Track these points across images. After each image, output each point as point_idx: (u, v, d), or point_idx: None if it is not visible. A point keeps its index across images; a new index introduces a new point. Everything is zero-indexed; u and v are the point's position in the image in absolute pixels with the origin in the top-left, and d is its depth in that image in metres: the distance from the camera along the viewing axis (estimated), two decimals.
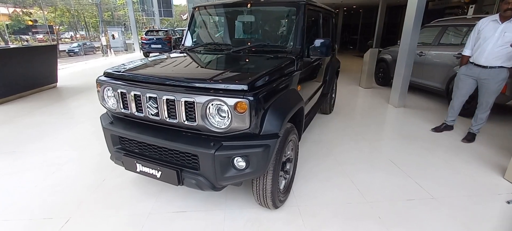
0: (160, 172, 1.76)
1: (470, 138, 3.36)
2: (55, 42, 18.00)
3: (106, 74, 2.02)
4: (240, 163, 1.64)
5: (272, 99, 1.74)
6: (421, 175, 2.59)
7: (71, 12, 27.55)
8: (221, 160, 1.60)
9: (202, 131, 1.67)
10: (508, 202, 2.16)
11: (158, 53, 13.01)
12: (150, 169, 1.79)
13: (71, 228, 1.92)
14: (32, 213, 2.08)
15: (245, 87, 1.55)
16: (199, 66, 2.27)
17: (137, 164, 1.84)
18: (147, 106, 1.75)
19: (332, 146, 3.24)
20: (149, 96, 1.73)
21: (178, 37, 14.16)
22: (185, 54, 2.58)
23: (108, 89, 1.96)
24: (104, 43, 18.00)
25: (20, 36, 24.32)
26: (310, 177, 2.53)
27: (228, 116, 1.57)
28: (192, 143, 1.65)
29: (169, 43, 13.24)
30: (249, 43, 2.64)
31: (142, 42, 13.49)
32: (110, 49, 17.87)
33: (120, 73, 1.94)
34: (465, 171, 2.68)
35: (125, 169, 1.94)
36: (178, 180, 1.71)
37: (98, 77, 2.04)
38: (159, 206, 2.15)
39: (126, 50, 18.30)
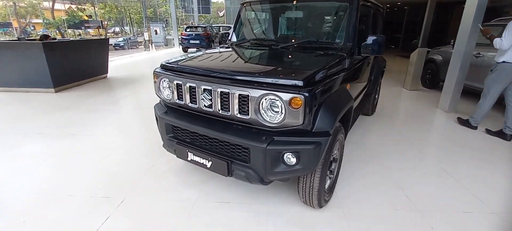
0: (210, 162, 1.83)
1: None
2: (105, 37, 19.52)
3: (163, 66, 2.14)
4: (290, 158, 1.63)
5: (325, 97, 1.71)
6: (478, 187, 2.38)
7: (119, 8, 29.64)
8: (272, 154, 1.62)
9: (254, 124, 1.69)
10: None
11: (196, 49, 13.46)
12: (201, 159, 1.87)
13: (126, 207, 2.08)
14: (92, 191, 2.29)
15: (300, 83, 1.54)
16: (251, 61, 2.30)
17: (189, 153, 1.92)
18: (202, 98, 1.82)
19: (375, 149, 3.10)
20: (204, 88, 1.79)
21: (224, 33, 14.56)
22: (234, 49, 2.64)
23: (164, 81, 2.07)
24: (147, 38, 19.14)
25: (74, 30, 26.77)
26: (354, 180, 2.45)
27: (281, 111, 1.57)
28: (244, 136, 1.68)
29: (207, 39, 13.65)
30: (293, 40, 2.62)
31: (181, 37, 14.07)
32: (151, 44, 18.95)
33: (177, 65, 2.04)
34: None
35: (177, 156, 2.05)
36: (227, 171, 1.76)
37: (155, 69, 2.16)
38: (204, 195, 2.23)
39: (166, 45, 19.25)
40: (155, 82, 2.16)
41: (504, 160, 2.90)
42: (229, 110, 1.73)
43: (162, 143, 2.24)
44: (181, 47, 14.79)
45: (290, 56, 2.28)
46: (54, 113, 4.23)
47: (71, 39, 8.32)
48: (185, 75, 1.92)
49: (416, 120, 4.12)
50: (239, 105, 1.68)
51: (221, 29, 18.97)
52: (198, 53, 2.51)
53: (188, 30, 14.20)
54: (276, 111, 1.62)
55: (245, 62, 2.28)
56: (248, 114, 1.67)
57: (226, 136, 1.73)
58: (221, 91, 1.72)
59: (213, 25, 17.07)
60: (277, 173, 1.67)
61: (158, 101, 2.36)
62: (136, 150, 3.03)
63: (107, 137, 3.38)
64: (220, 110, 1.77)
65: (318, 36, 2.55)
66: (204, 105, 1.83)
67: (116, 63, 10.48)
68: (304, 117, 1.54)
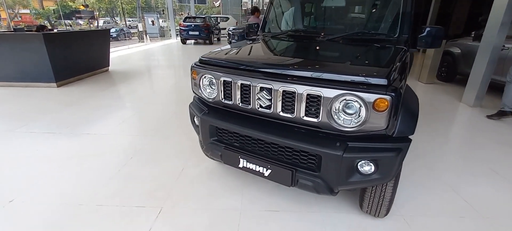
0: (269, 170, 1.62)
1: None
2: (98, 27, 18.79)
3: (203, 61, 1.90)
4: (365, 167, 1.44)
5: (404, 97, 1.52)
6: None
7: None
8: (348, 163, 1.42)
9: (323, 128, 1.49)
10: None
11: (194, 41, 12.94)
12: (257, 166, 1.66)
13: (167, 219, 1.87)
14: (122, 199, 2.06)
15: (384, 81, 1.33)
16: (308, 56, 2.08)
17: (241, 159, 1.71)
18: (258, 97, 1.60)
19: (413, 147, 2.94)
20: (261, 87, 1.57)
21: (251, 24, 14.15)
22: (275, 41, 2.41)
23: (206, 77, 1.84)
24: (141, 29, 18.51)
25: (64, 21, 25.74)
26: (405, 183, 2.28)
27: (360, 114, 1.37)
28: (313, 142, 1.47)
29: (207, 30, 13.24)
30: (338, 31, 2.40)
31: (180, 28, 13.62)
32: (146, 35, 18.34)
33: (223, 60, 1.81)
34: None
35: (224, 162, 1.84)
36: (291, 181, 1.56)
37: (194, 64, 1.93)
38: (249, 202, 2.03)
39: (162, 36, 18.68)
40: (194, 79, 1.93)
41: None
42: (292, 112, 1.52)
43: (202, 146, 2.02)
44: (178, 38, 14.35)
45: (348, 50, 2.06)
46: (61, 110, 3.93)
47: (70, 30, 7.87)
48: (235, 71, 1.69)
49: (444, 115, 3.98)
50: (306, 106, 1.47)
51: (218, 20, 18.52)
52: (238, 45, 2.27)
53: (187, 20, 13.74)
54: (351, 114, 1.42)
55: (303, 56, 2.05)
56: (317, 117, 1.46)
57: (290, 141, 1.52)
58: (284, 91, 1.51)
59: (211, 16, 16.60)
60: (351, 183, 1.48)
61: (193, 100, 2.12)
62: (160, 151, 2.79)
63: (124, 136, 3.12)
64: (281, 112, 1.56)
65: (367, 27, 2.33)
66: (261, 106, 1.61)
67: (114, 55, 10.03)
68: (389, 121, 1.34)
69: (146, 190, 2.16)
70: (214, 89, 1.83)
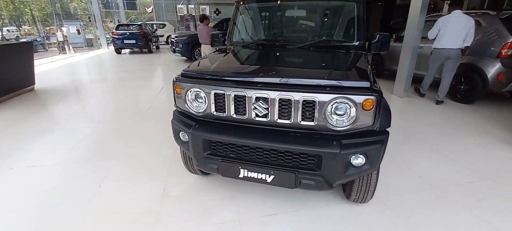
0: (272, 176, 1.68)
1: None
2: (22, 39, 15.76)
3: (186, 75, 1.85)
4: (358, 160, 1.63)
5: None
6: (466, 159, 2.83)
7: (16, 3, 24.29)
8: (344, 158, 1.59)
9: (319, 130, 1.63)
10: None
11: (129, 50, 12.01)
12: (259, 174, 1.70)
13: None
14: None
15: (368, 84, 1.55)
16: (290, 64, 2.20)
17: (241, 170, 1.73)
18: (255, 107, 1.65)
19: None
20: (257, 97, 1.63)
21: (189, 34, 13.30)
22: (251, 50, 2.48)
23: (192, 91, 1.80)
24: (60, 39, 16.20)
25: None
26: None
27: (351, 114, 1.55)
28: (314, 144, 1.60)
29: (145, 38, 12.43)
30: (303, 39, 2.62)
31: (113, 37, 12.45)
32: (68, 46, 16.13)
33: (211, 73, 1.80)
34: (497, 152, 3.00)
35: (222, 175, 1.82)
36: (295, 182, 1.65)
37: (176, 78, 1.87)
38: (245, 211, 2.05)
39: (90, 46, 16.71)
40: (178, 93, 1.86)
41: (470, 133, 3.53)
42: (289, 118, 1.62)
43: (186, 162, 2.02)
44: (111, 48, 13.09)
45: (322, 57, 2.25)
46: None
47: None
48: (228, 83, 1.70)
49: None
50: (302, 111, 1.59)
51: (155, 27, 17.57)
52: (214, 56, 2.26)
53: (120, 28, 12.64)
54: (341, 115, 1.59)
55: (285, 65, 2.17)
56: (312, 120, 1.59)
57: (292, 146, 1.61)
58: (280, 99, 1.59)
59: (147, 23, 15.63)
60: (347, 176, 1.66)
61: (175, 115, 2.03)
62: (131, 174, 2.57)
63: (81, 163, 2.76)
64: (279, 120, 1.64)
65: (330, 35, 2.59)
66: (258, 115, 1.67)
67: (36, 70, 8.60)
68: (375, 117, 1.56)
69: (131, 219, 1.97)
70: (202, 102, 1.81)
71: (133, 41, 12.28)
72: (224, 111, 1.74)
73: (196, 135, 1.80)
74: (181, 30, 23.39)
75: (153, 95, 5.41)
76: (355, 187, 1.91)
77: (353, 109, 1.53)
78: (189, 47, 9.56)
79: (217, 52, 2.52)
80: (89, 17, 18.50)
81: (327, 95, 1.53)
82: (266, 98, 1.62)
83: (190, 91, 1.82)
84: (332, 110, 1.58)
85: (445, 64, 4.49)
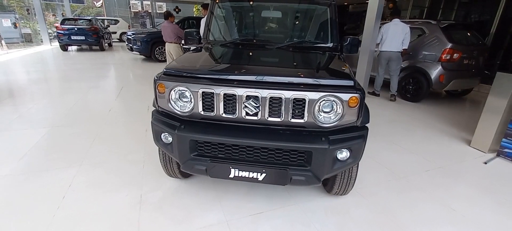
0: (263, 174, 1.69)
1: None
2: None
3: (169, 73, 1.77)
4: (343, 154, 1.73)
5: None
6: (421, 150, 3.18)
7: None
8: (332, 153, 1.67)
9: (308, 127, 1.68)
10: (485, 163, 2.92)
11: (77, 47, 11.04)
12: (250, 173, 1.70)
13: None
14: None
15: (351, 83, 1.65)
16: (273, 63, 2.23)
17: (232, 169, 1.70)
18: (245, 106, 1.64)
19: None
20: (248, 95, 1.62)
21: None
22: (231, 49, 2.46)
23: (176, 90, 1.72)
24: None
25: None
26: None
27: (337, 111, 1.64)
28: (304, 140, 1.65)
29: (96, 35, 11.41)
30: (279, 40, 2.68)
31: (57, 32, 11.17)
32: (0, 41, 14.04)
33: (197, 71, 1.75)
34: (446, 143, 3.43)
35: (210, 176, 1.77)
36: (286, 179, 1.68)
37: (158, 77, 1.76)
38: (232, 212, 2.02)
39: (28, 41, 14.70)
40: (160, 93, 1.76)
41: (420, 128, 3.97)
42: (280, 116, 1.65)
43: (165, 166, 1.98)
44: (55, 44, 11.74)
45: (303, 57, 2.33)
46: None
47: None
48: (216, 81, 1.67)
49: None
50: (293, 109, 1.63)
51: (106, 23, 16.26)
52: (198, 54, 2.19)
53: (66, 23, 11.39)
54: (328, 112, 1.67)
55: (270, 64, 2.20)
56: (302, 118, 1.65)
57: (283, 143, 1.64)
58: (271, 97, 1.61)
59: (98, 18, 14.35)
60: (333, 170, 1.74)
61: (154, 116, 1.91)
62: (100, 183, 2.34)
63: (37, 173, 2.43)
64: (269, 118, 1.66)
65: (307, 37, 2.69)
66: (248, 114, 1.66)
67: None
68: (358, 114, 1.67)
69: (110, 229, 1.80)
70: (187, 102, 1.74)
71: (82, 38, 11.18)
72: (212, 111, 1.70)
73: (182, 135, 1.72)
74: (136, 27, 22.03)
75: (112, 96, 5.00)
76: (337, 181, 2.01)
77: (340, 107, 1.62)
78: (148, 45, 9.06)
79: (193, 51, 2.44)
80: (27, 9, 16.29)
81: (317, 94, 1.59)
82: (257, 96, 1.62)
83: (174, 91, 1.73)
84: (320, 108, 1.64)
85: (390, 65, 5.18)
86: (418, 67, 5.16)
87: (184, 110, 1.75)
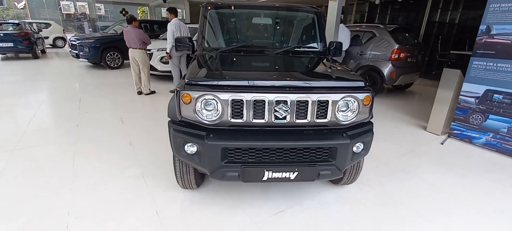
0: (295, 173, 1.80)
1: None
2: None
3: (197, 83, 1.75)
4: (358, 147, 1.95)
5: None
6: (392, 138, 3.66)
7: None
8: (352, 147, 1.87)
9: (330, 126, 1.86)
10: (442, 143, 3.53)
11: (1, 55, 9.60)
12: (283, 173, 1.80)
13: None
14: None
15: (362, 83, 1.89)
16: (284, 67, 2.35)
17: (266, 172, 1.78)
18: (275, 110, 1.73)
19: None
20: (278, 100, 1.72)
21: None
22: (236, 55, 2.52)
23: (203, 99, 1.73)
24: None
25: None
26: None
27: (354, 109, 1.85)
28: (329, 138, 1.82)
29: (27, 41, 9.91)
30: (274, 45, 2.84)
31: None
32: None
33: (229, 79, 1.78)
34: (407, 130, 4.00)
35: (243, 181, 1.81)
36: (316, 175, 1.83)
37: (182, 88, 1.73)
38: (254, 214, 2.08)
39: None
40: (186, 103, 1.74)
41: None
42: (306, 117, 1.79)
43: (180, 177, 2.04)
44: None
45: (305, 61, 2.51)
46: None
47: None
48: (244, 89, 1.72)
49: None
50: (317, 110, 1.79)
51: (34, 26, 14.19)
52: (208, 62, 2.20)
53: None
54: (344, 110, 1.87)
55: (283, 69, 2.32)
56: (325, 118, 1.82)
57: (311, 142, 1.79)
58: (298, 100, 1.74)
59: (26, 21, 12.41)
60: (351, 162, 1.95)
61: (174, 126, 1.87)
62: (104, 206, 2.16)
63: (22, 203, 2.11)
64: (297, 120, 1.78)
65: (298, 42, 2.89)
66: (277, 118, 1.76)
67: None
68: (370, 111, 1.91)
69: None
70: (212, 110, 1.76)
71: (10, 45, 9.59)
72: (241, 117, 1.75)
73: (213, 144, 1.73)
74: (71, 30, 19.73)
75: (73, 109, 4.48)
76: (348, 171, 2.24)
77: (356, 105, 1.84)
78: (98, 52, 8.27)
79: (198, 58, 2.41)
80: None
81: (338, 95, 1.78)
82: (286, 101, 1.73)
83: (200, 100, 1.73)
84: (339, 108, 1.84)
85: None
86: (373, 66, 5.85)
87: (212, 119, 1.76)
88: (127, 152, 3.03)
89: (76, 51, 8.38)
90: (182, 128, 1.85)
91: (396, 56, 5.61)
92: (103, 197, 2.23)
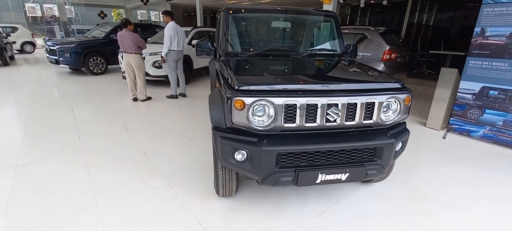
0: (347, 174, 1.84)
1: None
2: None
3: (251, 89, 1.72)
4: (398, 146, 2.03)
5: None
6: None
7: None
8: (394, 146, 1.95)
9: (374, 126, 1.92)
10: (444, 137, 3.76)
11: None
12: (335, 175, 1.82)
13: None
14: None
15: (401, 84, 1.97)
16: (320, 71, 2.45)
17: (319, 175, 1.79)
18: (327, 113, 1.76)
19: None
20: (329, 104, 1.75)
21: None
22: (266, 60, 2.53)
23: (259, 106, 1.71)
24: None
25: None
26: None
27: (397, 109, 1.93)
28: (376, 138, 1.88)
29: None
30: (295, 48, 2.88)
31: None
32: None
33: (282, 84, 1.77)
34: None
35: (298, 185, 1.81)
36: (365, 175, 1.88)
37: (235, 94, 1.69)
38: (298, 216, 2.10)
39: None
40: (239, 109, 1.70)
41: None
42: (354, 119, 1.84)
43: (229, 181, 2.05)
44: None
45: (334, 64, 2.57)
46: None
47: None
48: (295, 93, 1.73)
49: None
50: (364, 112, 1.84)
51: (0, 30, 13.06)
52: (248, 67, 2.19)
53: None
54: (386, 111, 1.94)
55: (321, 72, 2.41)
56: (371, 119, 1.87)
57: (361, 143, 1.84)
58: (348, 103, 1.78)
59: None
60: (393, 160, 2.03)
61: (221, 134, 1.83)
62: (137, 220, 2.05)
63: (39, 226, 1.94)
64: (346, 122, 1.82)
65: (317, 45, 2.95)
66: (328, 121, 1.79)
67: None
68: (409, 110, 2.00)
69: None
70: (265, 115, 1.74)
71: None
72: (294, 121, 1.76)
73: (269, 150, 1.72)
74: (39, 34, 18.42)
75: (67, 120, 4.18)
76: None
77: (398, 106, 1.92)
78: (80, 57, 7.79)
79: (228, 62, 2.35)
80: None
81: (383, 97, 1.84)
82: (336, 104, 1.76)
83: (253, 106, 1.70)
84: (383, 108, 1.90)
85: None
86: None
87: (264, 124, 1.75)
88: (143, 161, 2.90)
89: (55, 57, 7.84)
90: (231, 135, 1.81)
91: (387, 57, 5.89)
92: (135, 210, 2.12)
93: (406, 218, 2.14)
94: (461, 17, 9.63)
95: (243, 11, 2.83)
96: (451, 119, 3.93)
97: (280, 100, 1.70)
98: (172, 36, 5.12)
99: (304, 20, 3.07)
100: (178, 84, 5.72)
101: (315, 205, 2.23)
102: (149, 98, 5.49)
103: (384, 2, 8.63)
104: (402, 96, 1.89)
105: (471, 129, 3.77)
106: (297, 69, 2.43)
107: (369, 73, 2.21)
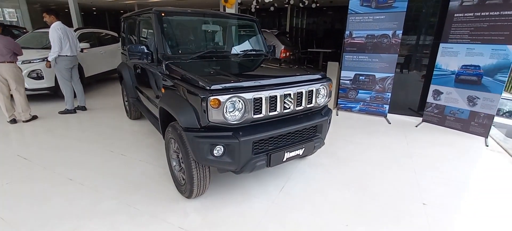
0: (303, 149, 2.28)
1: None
2: None
3: (224, 88, 1.90)
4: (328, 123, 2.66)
5: None
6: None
7: None
8: (328, 122, 2.55)
9: (313, 109, 2.45)
10: (337, 115, 4.92)
11: None
12: (295, 151, 2.24)
13: None
14: None
15: (323, 74, 2.60)
16: (265, 68, 2.78)
17: (286, 153, 2.16)
18: (284, 102, 2.15)
19: None
20: (285, 94, 2.15)
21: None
22: (209, 61, 2.67)
23: (232, 102, 1.92)
24: None
25: None
26: None
27: (324, 95, 2.53)
28: (317, 118, 2.41)
29: None
30: (225, 50, 3.15)
31: None
32: None
33: (241, 83, 2.01)
34: None
35: (271, 166, 2.11)
36: (313, 148, 2.38)
37: (210, 93, 1.84)
38: (266, 193, 2.41)
39: None
40: (215, 107, 1.86)
41: None
42: (301, 105, 2.30)
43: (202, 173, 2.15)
44: None
45: (265, 61, 2.94)
46: None
47: None
48: (260, 88, 2.03)
49: None
50: (307, 98, 2.34)
51: None
52: (203, 69, 2.27)
53: None
54: (318, 96, 2.53)
55: (265, 69, 2.75)
56: (311, 103, 2.40)
57: (308, 123, 2.32)
58: (297, 92, 2.23)
59: None
60: (327, 131, 2.64)
61: (196, 133, 1.92)
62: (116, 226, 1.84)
63: None
64: (297, 107, 2.27)
65: (246, 47, 3.29)
66: (285, 108, 2.18)
67: None
68: (331, 94, 2.66)
69: None
70: (236, 110, 1.97)
71: None
72: (260, 112, 2.05)
73: (246, 140, 1.95)
74: None
75: None
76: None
77: (325, 91, 2.52)
78: None
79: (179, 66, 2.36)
80: None
81: (318, 85, 2.40)
82: (289, 93, 2.17)
83: (227, 102, 1.89)
84: (317, 94, 2.46)
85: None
86: None
87: (237, 118, 1.96)
88: (75, 189, 2.48)
89: None
90: (207, 133, 1.93)
91: (284, 55, 6.95)
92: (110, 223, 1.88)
93: (343, 175, 2.82)
94: (322, 23, 12.33)
95: (173, 14, 2.85)
96: (338, 100, 5.17)
97: (249, 95, 1.95)
98: (62, 39, 4.31)
99: (231, 23, 3.35)
100: (74, 96, 4.83)
101: (274, 184, 2.60)
102: (34, 117, 4.40)
103: (272, 8, 9.99)
104: (327, 83, 2.51)
105: (352, 105, 5.10)
106: (244, 68, 2.71)
107: (301, 67, 2.76)
